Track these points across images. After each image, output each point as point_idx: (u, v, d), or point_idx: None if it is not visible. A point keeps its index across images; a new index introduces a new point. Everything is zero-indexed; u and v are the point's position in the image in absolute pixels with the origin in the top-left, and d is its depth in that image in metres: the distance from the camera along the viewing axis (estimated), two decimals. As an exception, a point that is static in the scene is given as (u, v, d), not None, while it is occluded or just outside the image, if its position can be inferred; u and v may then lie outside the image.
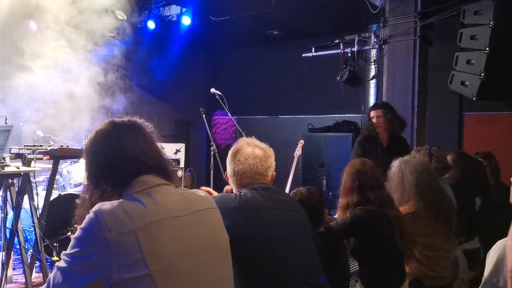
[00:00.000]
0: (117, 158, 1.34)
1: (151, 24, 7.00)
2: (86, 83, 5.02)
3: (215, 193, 2.09)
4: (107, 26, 5.05)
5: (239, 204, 1.79)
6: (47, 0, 4.66)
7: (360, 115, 6.84)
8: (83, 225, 1.19)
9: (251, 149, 1.97)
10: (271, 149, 2.06)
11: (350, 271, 2.73)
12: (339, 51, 6.41)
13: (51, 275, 1.21)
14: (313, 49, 6.76)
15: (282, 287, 1.72)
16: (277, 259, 1.75)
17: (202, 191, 1.52)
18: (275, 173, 2.04)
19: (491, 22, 4.17)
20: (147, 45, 7.43)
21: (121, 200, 1.25)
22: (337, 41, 6.40)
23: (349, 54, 6.29)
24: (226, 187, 2.18)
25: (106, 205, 1.21)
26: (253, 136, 2.12)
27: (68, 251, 1.19)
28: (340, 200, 2.67)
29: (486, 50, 4.20)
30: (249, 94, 8.96)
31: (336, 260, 2.32)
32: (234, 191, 1.97)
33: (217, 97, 4.87)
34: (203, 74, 9.87)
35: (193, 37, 7.54)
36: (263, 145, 2.04)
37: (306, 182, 6.73)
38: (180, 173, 6.11)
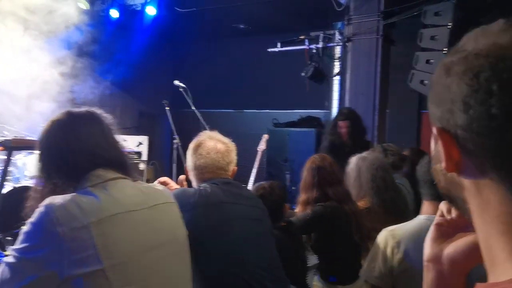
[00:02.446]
0: (71, 151, 1.29)
1: (114, 13, 6.76)
2: (45, 72, 4.81)
3: (172, 183, 2.06)
4: (68, 14, 4.85)
5: (199, 199, 1.78)
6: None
7: (324, 111, 6.94)
8: (32, 219, 1.15)
9: (213, 143, 1.96)
10: (233, 143, 2.05)
11: (308, 265, 2.78)
12: (305, 47, 6.46)
13: None
14: (279, 44, 6.78)
15: (242, 282, 1.72)
16: (237, 254, 1.75)
17: (160, 185, 1.50)
18: (236, 168, 2.04)
19: (449, 24, 4.32)
20: (110, 34, 7.17)
21: (74, 194, 1.21)
22: (302, 37, 6.44)
23: (314, 51, 6.35)
24: (180, 177, 2.15)
25: (57, 199, 1.17)
26: (216, 130, 2.10)
27: (17, 246, 1.15)
28: (300, 195, 2.71)
29: (445, 50, 4.35)
30: (214, 88, 8.88)
31: (295, 254, 2.36)
32: (194, 185, 1.95)
33: (180, 89, 4.80)
34: (168, 66, 9.69)
35: (158, 28, 7.37)
36: (225, 139, 2.03)
37: (270, 176, 6.77)
38: (142, 166, 6.01)
